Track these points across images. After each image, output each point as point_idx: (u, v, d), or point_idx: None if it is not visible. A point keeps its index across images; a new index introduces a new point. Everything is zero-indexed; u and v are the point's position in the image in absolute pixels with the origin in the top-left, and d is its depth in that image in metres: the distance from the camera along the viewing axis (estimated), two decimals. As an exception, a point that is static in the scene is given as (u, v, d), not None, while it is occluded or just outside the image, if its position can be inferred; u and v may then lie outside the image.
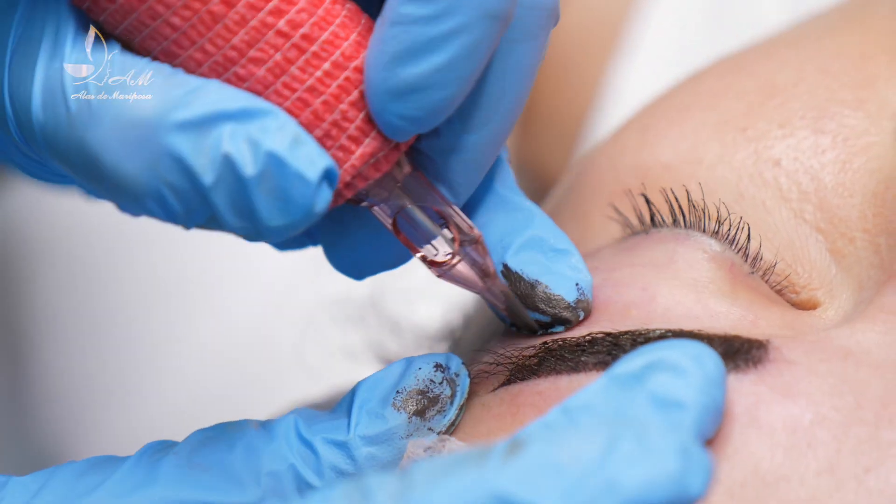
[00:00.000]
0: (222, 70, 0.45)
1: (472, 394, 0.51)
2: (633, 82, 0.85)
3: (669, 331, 0.48)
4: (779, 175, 0.53)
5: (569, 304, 0.51)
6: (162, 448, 0.48)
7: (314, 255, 0.92)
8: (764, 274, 0.52)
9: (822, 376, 0.46)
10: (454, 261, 0.49)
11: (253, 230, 0.45)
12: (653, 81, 0.80)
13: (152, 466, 0.47)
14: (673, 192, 0.53)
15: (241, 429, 0.48)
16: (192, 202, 0.44)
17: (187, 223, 0.45)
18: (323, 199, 0.44)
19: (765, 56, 0.58)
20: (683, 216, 0.53)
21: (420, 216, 0.49)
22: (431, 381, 0.49)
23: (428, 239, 0.49)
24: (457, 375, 0.49)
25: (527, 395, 0.49)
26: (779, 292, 0.52)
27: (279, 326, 0.92)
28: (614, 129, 0.62)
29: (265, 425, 0.48)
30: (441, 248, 0.49)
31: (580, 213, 0.57)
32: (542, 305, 0.51)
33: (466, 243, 0.49)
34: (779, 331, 0.49)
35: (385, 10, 0.46)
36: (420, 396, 0.49)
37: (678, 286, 0.51)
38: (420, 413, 0.48)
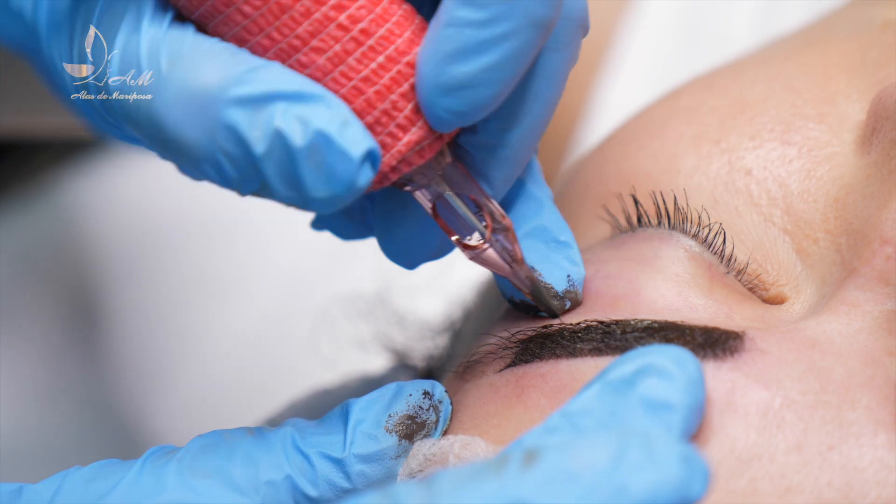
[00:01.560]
0: (286, 56, 0.46)
1: (479, 373, 0.52)
2: (618, 97, 0.85)
3: (655, 322, 0.49)
4: (750, 183, 0.53)
5: (557, 293, 0.52)
6: (164, 454, 0.49)
7: (328, 256, 0.93)
8: (738, 274, 0.52)
9: (791, 364, 0.47)
10: (485, 245, 0.50)
11: (300, 200, 0.46)
12: (635, 96, 0.80)
13: (157, 473, 0.48)
14: (662, 196, 0.54)
15: (239, 437, 0.49)
16: (244, 169, 0.45)
17: (241, 189, 0.46)
18: (364, 177, 0.45)
19: (735, 75, 0.59)
20: (668, 218, 0.53)
21: (457, 203, 0.50)
22: (420, 406, 0.50)
23: (463, 224, 0.50)
24: (440, 402, 0.50)
25: (531, 377, 0.50)
26: (751, 290, 0.52)
27: (297, 319, 0.92)
28: (600, 140, 0.62)
29: (261, 434, 0.49)
30: (474, 234, 0.50)
31: (570, 215, 0.58)
32: None
33: (498, 230, 0.50)
34: (751, 323, 0.50)
35: (440, 11, 0.46)
36: (409, 421, 0.49)
37: (661, 280, 0.52)
38: (409, 437, 0.49)
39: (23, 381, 0.94)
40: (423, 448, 0.49)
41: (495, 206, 0.50)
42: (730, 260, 0.52)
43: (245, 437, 0.49)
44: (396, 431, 0.49)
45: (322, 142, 0.45)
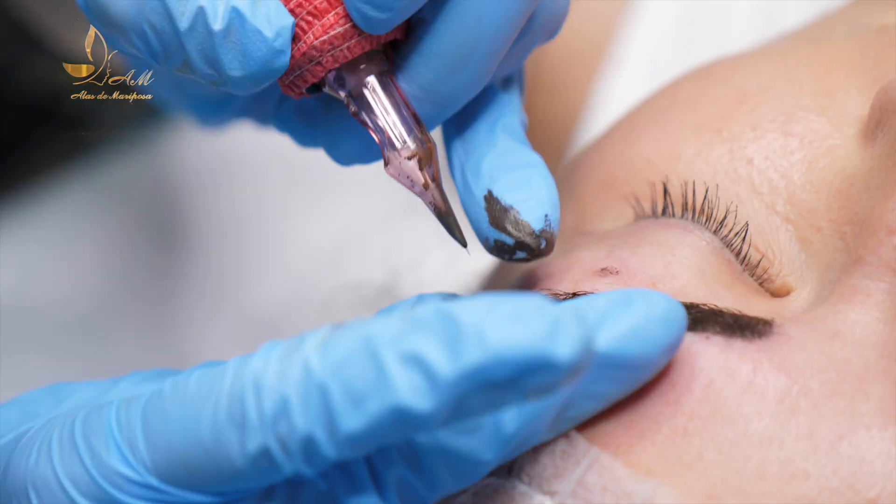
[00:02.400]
0: None
1: None
2: (617, 94, 0.85)
3: (689, 302, 0.49)
4: (752, 172, 0.53)
5: (533, 231, 0.50)
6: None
7: (336, 248, 0.93)
8: (751, 271, 0.52)
9: (811, 353, 0.47)
10: (409, 153, 0.50)
11: (218, 78, 0.46)
12: (634, 94, 0.81)
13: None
14: (693, 187, 0.53)
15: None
16: (169, 44, 0.45)
17: (167, 63, 0.46)
18: (280, 58, 0.46)
19: (735, 67, 0.59)
20: (693, 211, 0.53)
21: (381, 112, 0.49)
22: None
23: (391, 132, 0.50)
24: None
25: None
26: (760, 284, 0.52)
27: (305, 308, 0.92)
28: (603, 129, 0.62)
29: None
30: (397, 143, 0.50)
31: (576, 197, 0.58)
32: (509, 227, 0.50)
33: (421, 149, 0.50)
34: (767, 316, 0.50)
35: None
36: None
37: (691, 270, 0.51)
38: None
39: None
40: None
41: (422, 126, 0.50)
42: (745, 258, 0.52)
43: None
44: None
45: (237, 20, 0.45)
